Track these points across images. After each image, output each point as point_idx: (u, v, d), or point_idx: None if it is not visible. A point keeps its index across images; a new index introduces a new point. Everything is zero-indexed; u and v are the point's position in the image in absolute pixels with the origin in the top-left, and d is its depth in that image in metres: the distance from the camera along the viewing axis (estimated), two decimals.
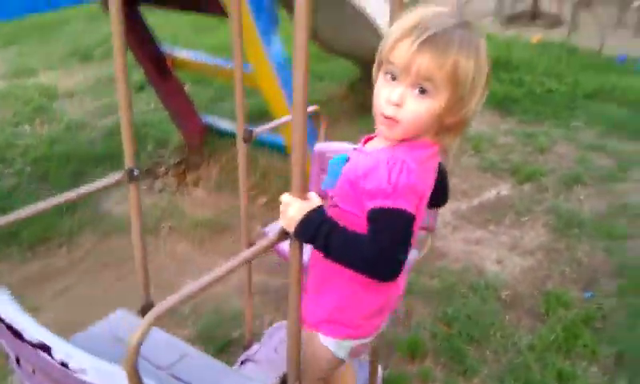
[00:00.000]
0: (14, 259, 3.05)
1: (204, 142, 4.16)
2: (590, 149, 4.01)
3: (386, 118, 1.19)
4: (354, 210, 1.24)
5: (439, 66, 1.12)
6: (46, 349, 1.03)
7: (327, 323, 1.39)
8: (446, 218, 3.28)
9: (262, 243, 1.19)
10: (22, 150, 4.24)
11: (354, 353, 1.46)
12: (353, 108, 4.53)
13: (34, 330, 1.06)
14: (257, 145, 3.96)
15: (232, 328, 2.55)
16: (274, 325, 2.17)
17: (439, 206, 1.50)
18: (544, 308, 2.66)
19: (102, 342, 1.53)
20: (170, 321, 2.52)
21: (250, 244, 1.96)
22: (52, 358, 1.02)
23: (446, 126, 1.21)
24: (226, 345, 2.46)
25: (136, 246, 1.72)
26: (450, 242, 3.11)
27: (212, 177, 3.86)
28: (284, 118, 2.17)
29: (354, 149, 1.36)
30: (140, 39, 3.88)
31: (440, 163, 1.31)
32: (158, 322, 0.98)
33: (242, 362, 2.04)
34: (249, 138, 1.89)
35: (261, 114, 4.15)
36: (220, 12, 3.21)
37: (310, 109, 1.88)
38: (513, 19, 6.66)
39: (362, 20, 3.76)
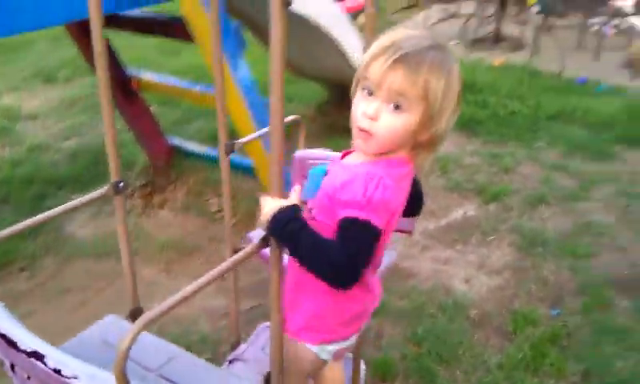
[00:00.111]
0: None
1: (170, 164, 4.12)
2: (553, 169, 4.08)
3: (362, 130, 1.24)
4: (330, 221, 1.26)
5: (411, 83, 1.18)
6: (40, 357, 1.08)
7: (306, 331, 1.43)
8: (414, 237, 3.29)
9: (245, 250, 1.24)
10: None
11: (337, 355, 1.50)
12: (321, 129, 4.54)
13: (27, 339, 1.12)
14: None
15: (201, 353, 2.50)
16: (261, 325, 2.19)
17: (415, 215, 1.53)
18: (512, 326, 2.69)
19: (93, 347, 1.58)
20: None
21: (235, 250, 1.97)
22: (45, 365, 1.07)
23: (419, 143, 1.26)
24: None
25: (123, 252, 1.81)
26: (419, 261, 3.12)
27: (179, 198, 3.82)
28: (264, 130, 2.20)
29: (332, 161, 1.41)
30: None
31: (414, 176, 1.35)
32: (146, 328, 1.03)
33: (230, 362, 2.09)
34: (230, 151, 1.97)
35: (231, 134, 4.14)
36: (185, 37, 3.22)
37: (291, 118, 2.00)
38: (476, 43, 6.80)
39: (329, 44, 3.79)
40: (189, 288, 1.13)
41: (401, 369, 2.44)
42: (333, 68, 4.27)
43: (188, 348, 2.50)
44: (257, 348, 2.08)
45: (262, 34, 4.33)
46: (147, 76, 4.13)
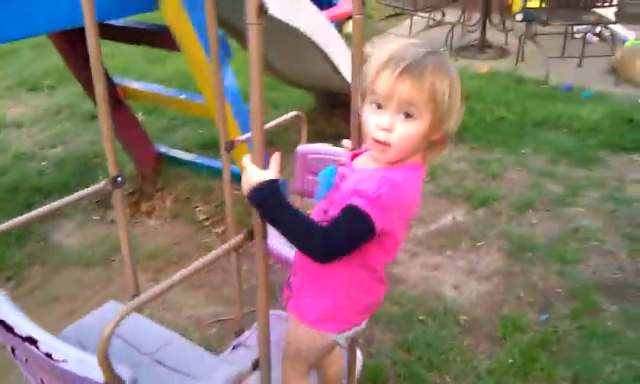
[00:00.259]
0: None
1: (158, 172, 4.10)
2: (540, 175, 4.10)
3: (379, 142, 1.32)
4: None
5: (418, 90, 1.25)
6: (33, 341, 1.18)
7: (323, 322, 1.52)
8: (404, 244, 3.29)
9: (235, 239, 1.34)
10: None
11: (350, 339, 1.62)
12: (309, 136, 4.53)
13: (23, 325, 1.22)
14: (213, 174, 3.94)
15: None
16: None
17: None
18: (501, 332, 2.69)
19: (91, 332, 1.61)
20: None
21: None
22: (38, 349, 1.17)
23: (432, 143, 1.35)
24: None
25: (123, 242, 1.91)
26: (408, 267, 3.12)
27: (166, 206, 3.79)
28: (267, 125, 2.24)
29: (345, 165, 1.48)
30: (89, 70, 3.81)
31: None
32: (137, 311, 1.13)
33: (234, 347, 2.21)
34: (230, 148, 2.05)
35: (217, 142, 4.13)
36: (171, 46, 3.21)
37: (292, 114, 2.13)
38: (462, 50, 6.83)
39: (313, 50, 3.79)
40: (179, 274, 1.23)
41: (391, 375, 2.44)
42: (319, 74, 4.28)
43: None
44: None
45: (241, 37, 4.34)
46: (133, 84, 4.11)
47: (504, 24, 7.18)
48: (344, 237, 1.30)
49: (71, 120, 5.23)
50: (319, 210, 1.47)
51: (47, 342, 1.18)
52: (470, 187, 3.92)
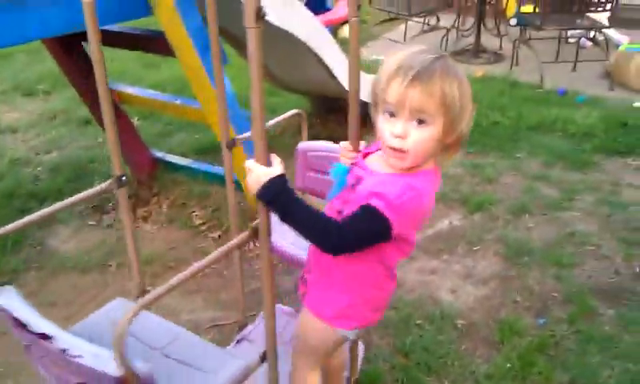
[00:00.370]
0: None
1: (153, 177, 4.09)
2: (535, 179, 4.12)
3: (395, 150, 1.36)
4: None
5: (428, 96, 1.30)
6: (48, 338, 1.22)
7: (339, 319, 1.58)
8: None
9: (240, 237, 1.38)
10: None
11: (360, 334, 1.72)
12: (306, 140, 4.54)
13: (37, 322, 1.26)
14: (209, 179, 3.94)
15: None
16: None
17: None
18: (499, 336, 2.69)
19: (101, 328, 1.68)
20: None
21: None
22: (53, 345, 1.21)
23: (447, 146, 1.40)
24: None
25: (129, 240, 1.98)
26: (405, 272, 3.12)
27: (162, 211, 3.79)
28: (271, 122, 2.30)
29: (354, 165, 1.53)
30: (84, 75, 3.82)
31: None
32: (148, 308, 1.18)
33: (237, 341, 2.29)
34: (232, 146, 2.11)
35: (213, 147, 4.14)
36: (167, 51, 3.21)
37: (292, 112, 2.21)
38: (456, 55, 6.85)
39: (309, 55, 3.80)
40: (188, 270, 1.27)
41: (389, 380, 2.44)
42: (314, 79, 4.28)
43: None
44: (262, 329, 2.21)
45: (239, 46, 4.34)
46: (128, 89, 4.11)
47: (498, 29, 7.23)
48: (357, 235, 1.35)
49: (66, 125, 5.21)
50: (332, 209, 1.50)
51: (62, 337, 1.21)
52: (465, 192, 3.93)
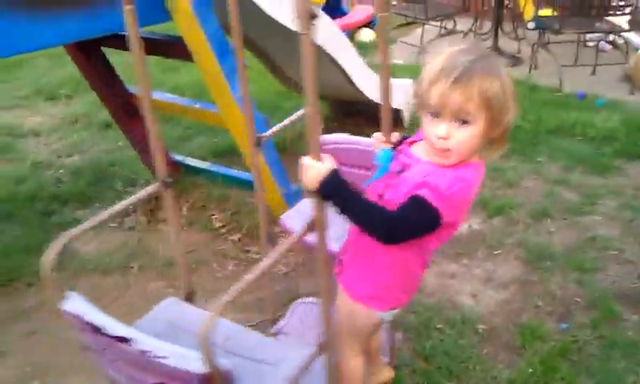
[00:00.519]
0: None
1: (174, 180, 4.11)
2: (555, 183, 4.08)
3: (439, 150, 1.43)
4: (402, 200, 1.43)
5: (469, 98, 1.35)
6: (125, 340, 1.25)
7: (373, 299, 1.66)
8: None
9: (294, 235, 1.44)
10: None
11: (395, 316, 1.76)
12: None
13: (113, 326, 1.30)
14: (228, 182, 3.96)
15: None
16: (295, 302, 2.55)
17: None
18: (520, 341, 2.67)
19: (160, 327, 1.73)
20: None
21: (270, 238, 2.42)
22: (132, 348, 1.24)
23: (493, 140, 1.47)
24: None
25: (174, 241, 2.00)
26: (424, 276, 3.10)
27: (182, 214, 3.81)
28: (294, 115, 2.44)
29: (400, 151, 1.59)
30: (104, 79, 3.87)
31: None
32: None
33: (275, 335, 2.38)
34: (259, 143, 2.25)
35: (232, 150, 4.15)
36: (186, 56, 3.23)
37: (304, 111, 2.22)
38: None
39: (327, 60, 3.81)
40: (252, 274, 1.31)
41: None
42: (332, 83, 4.29)
43: None
44: (296, 321, 2.42)
45: (254, 49, 4.37)
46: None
47: (516, 32, 7.18)
48: (409, 225, 1.41)
49: (88, 129, 5.26)
50: (373, 192, 1.55)
51: (143, 340, 1.25)
52: (486, 195, 3.90)
